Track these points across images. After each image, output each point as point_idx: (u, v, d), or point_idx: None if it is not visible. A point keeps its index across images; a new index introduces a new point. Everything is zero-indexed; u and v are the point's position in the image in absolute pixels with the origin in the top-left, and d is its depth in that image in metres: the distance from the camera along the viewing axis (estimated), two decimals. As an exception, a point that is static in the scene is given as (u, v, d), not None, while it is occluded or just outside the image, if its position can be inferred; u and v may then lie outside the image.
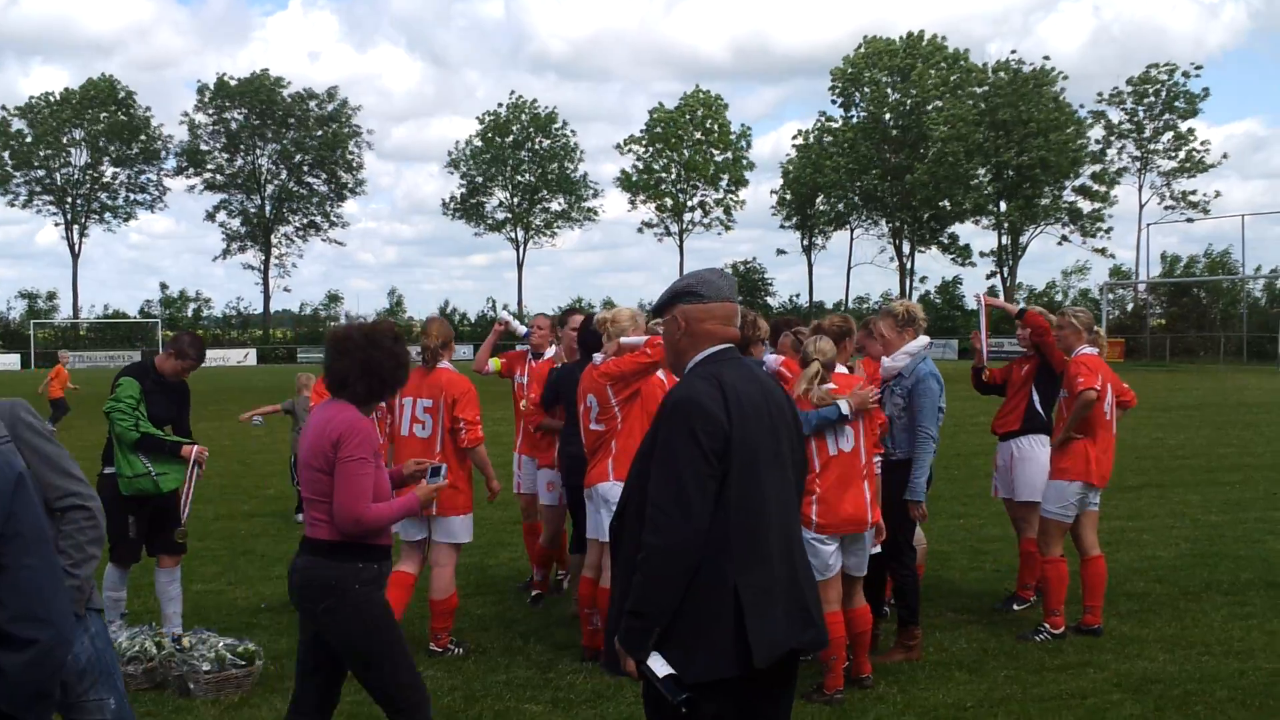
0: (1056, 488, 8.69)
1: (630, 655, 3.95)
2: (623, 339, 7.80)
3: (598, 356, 7.98)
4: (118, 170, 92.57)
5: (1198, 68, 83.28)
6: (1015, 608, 9.39)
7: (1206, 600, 9.63)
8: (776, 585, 4.08)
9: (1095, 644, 8.38)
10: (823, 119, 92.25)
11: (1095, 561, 8.72)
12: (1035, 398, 9.30)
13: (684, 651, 3.95)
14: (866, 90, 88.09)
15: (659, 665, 3.93)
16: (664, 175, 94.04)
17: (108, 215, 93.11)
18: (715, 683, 3.98)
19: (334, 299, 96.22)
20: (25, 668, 2.86)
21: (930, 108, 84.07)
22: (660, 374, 7.71)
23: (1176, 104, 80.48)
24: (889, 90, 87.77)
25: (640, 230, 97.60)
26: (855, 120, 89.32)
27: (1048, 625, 8.53)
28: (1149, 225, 79.34)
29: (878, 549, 7.63)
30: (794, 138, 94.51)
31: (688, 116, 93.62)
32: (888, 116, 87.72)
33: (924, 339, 8.33)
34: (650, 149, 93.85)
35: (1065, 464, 8.66)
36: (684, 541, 3.89)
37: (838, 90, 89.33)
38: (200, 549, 12.15)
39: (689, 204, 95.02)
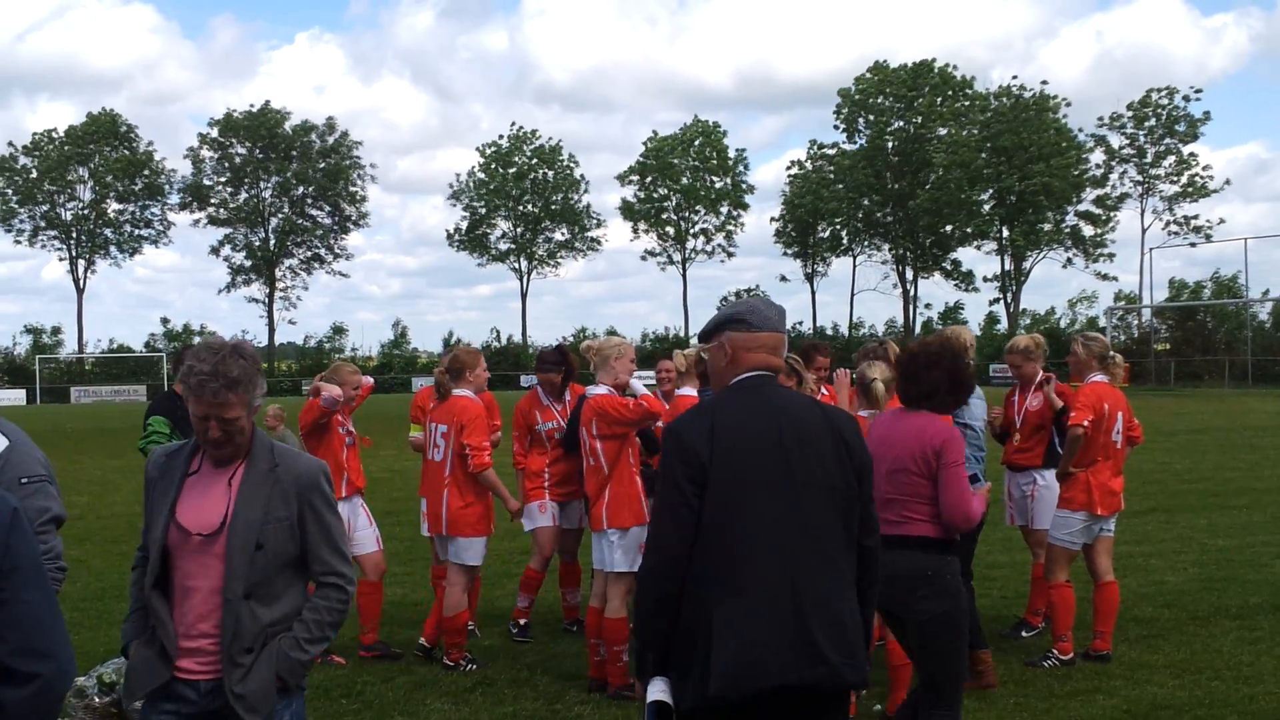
0: (1062, 516, 8.68)
1: (637, 677, 4.11)
2: (632, 382, 7.95)
3: (592, 389, 8.02)
4: (122, 206, 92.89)
5: (1197, 91, 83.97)
6: (1024, 634, 9.36)
7: (1215, 625, 9.59)
8: (759, 616, 3.94)
9: (1104, 670, 8.34)
10: (816, 147, 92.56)
11: (1108, 587, 8.69)
12: (1055, 431, 9.25)
13: (677, 679, 4.00)
14: (871, 117, 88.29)
15: (651, 690, 4.00)
16: (664, 204, 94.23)
17: (113, 250, 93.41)
18: (703, 711, 3.94)
19: (339, 331, 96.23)
20: (27, 701, 2.84)
21: (933, 136, 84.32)
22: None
23: (1177, 128, 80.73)
24: (893, 118, 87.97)
25: (644, 259, 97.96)
26: (858, 146, 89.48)
27: (1056, 651, 8.49)
28: (1152, 250, 79.48)
29: None
30: (789, 167, 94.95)
31: (684, 145, 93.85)
32: (890, 143, 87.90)
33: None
34: (648, 178, 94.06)
35: (1068, 494, 8.66)
36: (656, 568, 3.98)
37: (842, 115, 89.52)
38: (206, 583, 12.12)
39: (690, 231, 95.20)
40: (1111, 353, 8.99)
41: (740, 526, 3.96)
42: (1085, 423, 8.44)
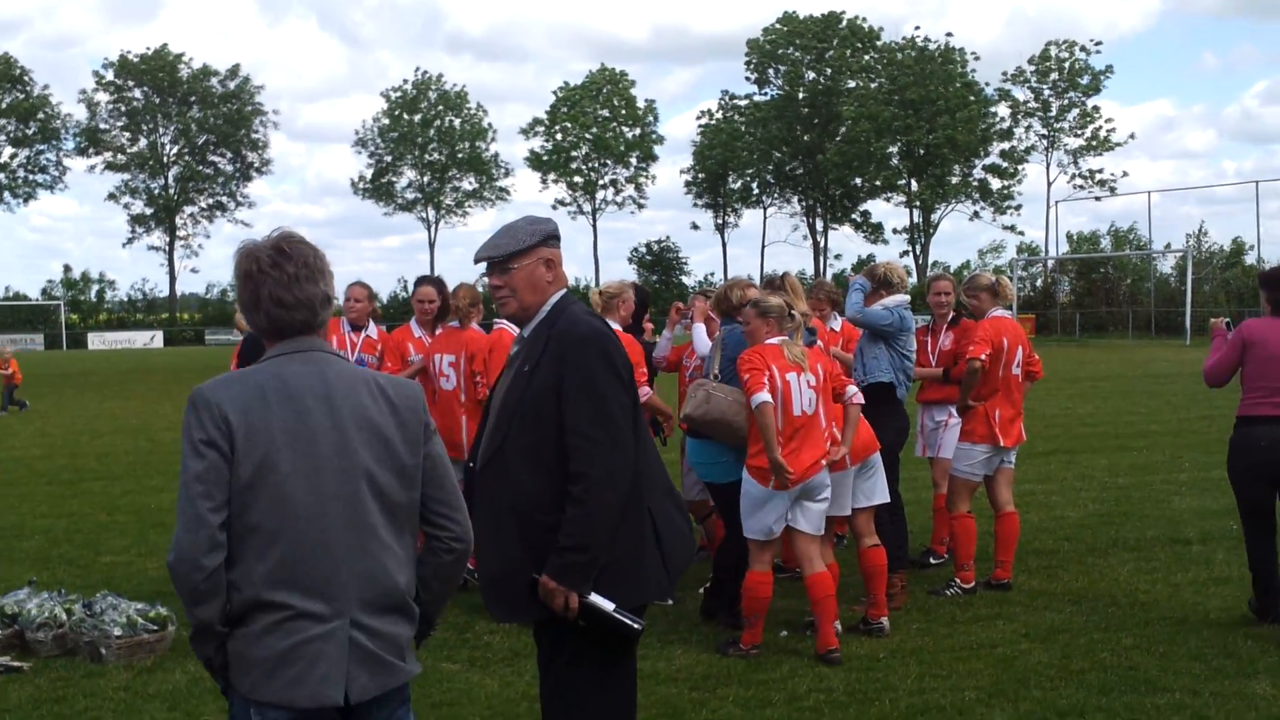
0: (963, 449, 8.82)
1: (572, 590, 3.96)
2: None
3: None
4: (15, 150, 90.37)
5: (1097, 44, 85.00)
6: (931, 561, 9.54)
7: (1113, 556, 9.83)
8: (672, 511, 4.25)
9: (1005, 598, 8.52)
10: (728, 98, 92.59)
11: (1008, 518, 8.86)
12: None
13: (613, 581, 4.03)
14: (782, 68, 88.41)
15: (602, 600, 3.98)
16: (574, 154, 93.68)
17: (6, 196, 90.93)
18: (636, 609, 4.10)
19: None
20: None
21: (843, 88, 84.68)
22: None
23: (1080, 81, 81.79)
24: (804, 69, 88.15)
25: (554, 208, 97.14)
26: (769, 97, 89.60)
27: (958, 580, 8.66)
28: (1057, 203, 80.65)
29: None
30: (699, 117, 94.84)
31: (594, 94, 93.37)
32: (801, 94, 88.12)
33: (903, 296, 8.56)
34: (558, 127, 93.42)
35: (969, 426, 8.80)
36: (622, 467, 3.99)
37: (753, 65, 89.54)
38: (109, 522, 12.02)
39: (600, 182, 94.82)
40: (994, 279, 9.11)
41: (644, 423, 4.25)
42: (983, 356, 8.57)
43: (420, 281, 9.67)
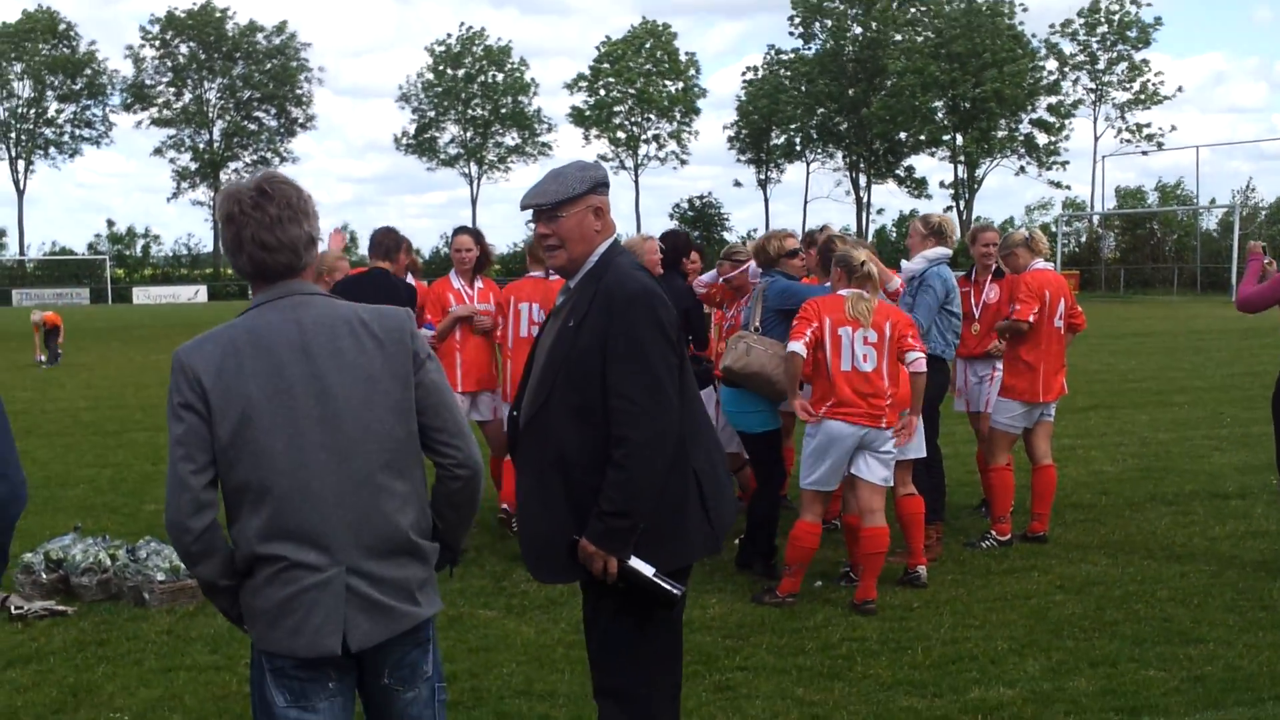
0: (1002, 402, 8.80)
1: (612, 555, 3.90)
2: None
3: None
4: (62, 106, 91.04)
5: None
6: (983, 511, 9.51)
7: (1151, 510, 9.80)
8: (718, 466, 4.21)
9: (1041, 550, 8.52)
10: (774, 52, 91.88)
11: (1045, 470, 8.84)
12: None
13: (655, 543, 3.97)
14: (828, 21, 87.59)
15: (642, 564, 3.94)
16: (617, 109, 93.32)
17: (53, 151, 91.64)
18: (676, 572, 4.06)
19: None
20: None
21: (888, 42, 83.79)
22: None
23: (1129, 34, 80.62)
24: (851, 23, 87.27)
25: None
26: (814, 51, 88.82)
27: (994, 533, 8.66)
28: (1104, 158, 79.78)
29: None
30: (744, 73, 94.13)
31: (637, 48, 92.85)
32: (847, 48, 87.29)
33: (944, 250, 8.48)
34: (601, 83, 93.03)
35: (1009, 382, 8.76)
36: (666, 431, 3.90)
37: (798, 19, 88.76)
38: (154, 472, 12.19)
39: (643, 137, 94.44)
40: (1027, 234, 9.05)
41: (692, 380, 4.16)
42: (1030, 317, 8.53)
43: (458, 231, 9.68)
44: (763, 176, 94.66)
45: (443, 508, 3.43)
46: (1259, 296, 7.94)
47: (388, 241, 8.78)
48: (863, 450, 7.14)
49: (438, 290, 9.38)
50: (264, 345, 3.18)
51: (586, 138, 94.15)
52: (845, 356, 7.02)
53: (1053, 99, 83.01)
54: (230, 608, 3.31)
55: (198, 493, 3.12)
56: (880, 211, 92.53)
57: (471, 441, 3.43)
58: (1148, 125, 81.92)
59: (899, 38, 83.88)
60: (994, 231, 9.62)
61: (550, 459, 3.99)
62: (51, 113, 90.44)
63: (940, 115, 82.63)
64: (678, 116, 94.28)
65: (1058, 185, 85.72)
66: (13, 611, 7.09)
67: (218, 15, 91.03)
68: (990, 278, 9.41)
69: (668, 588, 3.94)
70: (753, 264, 8.64)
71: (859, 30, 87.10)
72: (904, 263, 8.63)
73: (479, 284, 9.42)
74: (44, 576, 7.43)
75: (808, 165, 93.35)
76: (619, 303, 3.93)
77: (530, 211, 4.12)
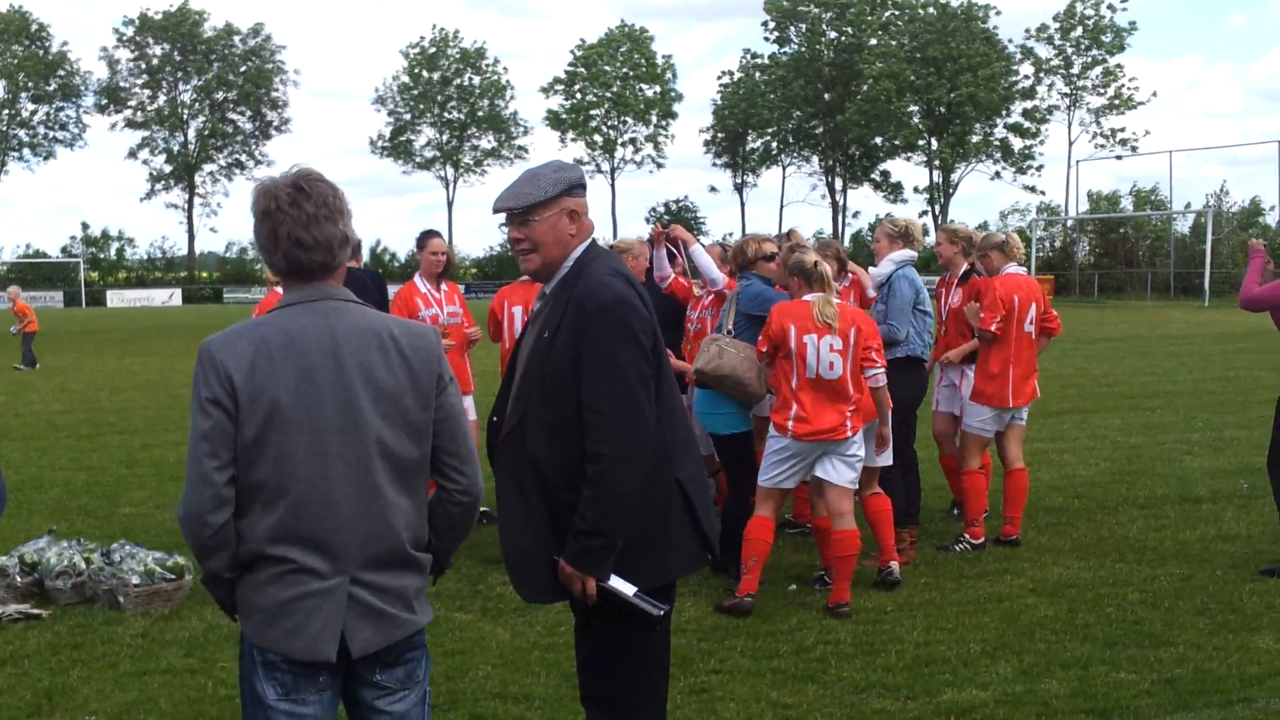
0: (973, 406, 8.85)
1: (589, 576, 3.82)
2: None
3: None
4: (35, 107, 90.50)
5: (1123, 0, 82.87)
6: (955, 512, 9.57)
7: (1123, 514, 9.88)
8: (703, 475, 4.17)
9: (1013, 554, 8.58)
10: (749, 56, 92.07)
11: (1017, 474, 8.89)
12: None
13: (639, 561, 3.89)
14: (803, 26, 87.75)
15: (622, 584, 3.84)
16: (593, 112, 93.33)
17: (26, 153, 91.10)
18: (664, 588, 3.99)
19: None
20: None
21: (863, 47, 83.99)
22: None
23: (1103, 38, 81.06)
24: (825, 27, 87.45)
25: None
26: (788, 56, 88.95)
27: (967, 536, 8.71)
28: (1079, 162, 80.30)
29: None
30: (719, 76, 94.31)
31: (612, 51, 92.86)
32: (822, 53, 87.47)
33: (910, 252, 8.55)
34: (577, 86, 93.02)
35: (979, 385, 8.81)
36: (641, 444, 3.80)
37: (771, 25, 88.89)
38: (128, 475, 12.18)
39: (619, 141, 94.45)
40: (1003, 237, 9.09)
41: (675, 389, 4.10)
42: (993, 326, 8.56)
43: (431, 234, 9.66)
44: (739, 180, 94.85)
45: (441, 528, 3.44)
46: (1266, 298, 7.99)
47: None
48: (827, 455, 7.19)
49: (404, 295, 9.41)
50: (296, 348, 3.18)
51: (563, 140, 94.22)
52: (811, 364, 7.06)
53: (1028, 104, 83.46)
54: (226, 597, 3.32)
55: (219, 489, 3.12)
56: (856, 215, 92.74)
57: (478, 470, 3.44)
58: (1122, 130, 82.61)
59: (874, 42, 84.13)
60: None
61: (529, 475, 3.91)
62: (25, 114, 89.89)
63: (915, 119, 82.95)
64: (654, 120, 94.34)
65: (1033, 190, 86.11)
66: (-13, 615, 7.07)
67: (193, 19, 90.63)
68: (956, 282, 9.34)
69: (647, 608, 3.83)
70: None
71: (834, 35, 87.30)
72: (871, 269, 8.68)
73: (444, 287, 9.47)
74: (19, 580, 7.40)
75: (784, 169, 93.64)
76: (590, 313, 3.83)
77: (503, 215, 4.03)
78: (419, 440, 3.30)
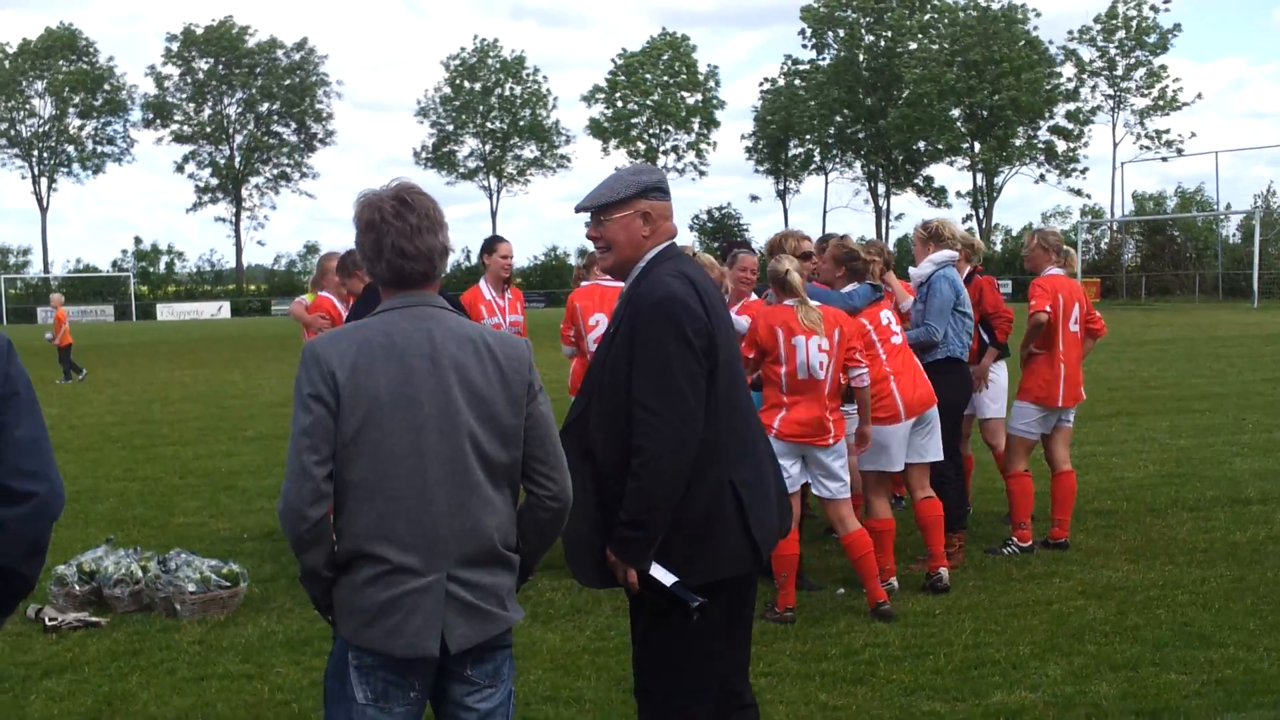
0: (1020, 407, 8.85)
1: (630, 565, 3.92)
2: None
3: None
4: (84, 122, 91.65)
5: (1166, 1, 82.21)
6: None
7: (1172, 516, 9.82)
8: (766, 480, 4.18)
9: (1062, 557, 8.56)
10: (791, 63, 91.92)
11: (1065, 476, 8.87)
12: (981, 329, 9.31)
13: (683, 556, 3.96)
14: (840, 32, 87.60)
15: (663, 574, 3.92)
16: (635, 120, 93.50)
17: (76, 168, 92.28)
18: (713, 585, 4.02)
19: (312, 250, 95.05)
20: (24, 520, 2.96)
21: (903, 51, 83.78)
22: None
23: (1147, 39, 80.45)
24: (863, 31, 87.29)
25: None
26: (827, 62, 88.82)
27: (1015, 539, 8.69)
28: (1123, 164, 79.66)
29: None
30: (761, 84, 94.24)
31: (653, 59, 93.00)
32: (861, 58, 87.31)
33: (950, 252, 8.48)
34: (619, 94, 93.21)
35: (1025, 384, 8.82)
36: (684, 443, 3.87)
37: (808, 32, 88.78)
38: (181, 485, 12.34)
39: (662, 149, 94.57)
40: (1065, 245, 9.10)
41: (742, 392, 4.18)
42: (1046, 308, 8.59)
43: (498, 240, 9.58)
44: (781, 187, 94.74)
45: (529, 532, 3.51)
46: None
47: (348, 262, 8.60)
48: (812, 468, 7.24)
49: (469, 300, 9.40)
50: (396, 350, 3.29)
51: (605, 149, 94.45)
52: (801, 364, 7.08)
53: (1071, 106, 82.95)
54: (322, 596, 3.39)
55: (319, 483, 3.21)
56: (900, 218, 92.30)
57: (567, 476, 3.52)
58: (1167, 131, 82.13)
59: (914, 46, 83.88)
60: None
61: (585, 464, 4.01)
62: (73, 129, 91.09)
63: (958, 123, 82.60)
64: (696, 128, 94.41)
65: (1077, 193, 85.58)
66: (47, 623, 7.20)
67: (235, 31, 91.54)
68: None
69: (685, 600, 3.89)
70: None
71: (871, 39, 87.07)
72: (911, 270, 8.68)
73: (508, 294, 9.51)
74: (77, 588, 7.54)
75: (826, 175, 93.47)
76: (643, 310, 3.95)
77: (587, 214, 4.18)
78: (509, 445, 3.39)
